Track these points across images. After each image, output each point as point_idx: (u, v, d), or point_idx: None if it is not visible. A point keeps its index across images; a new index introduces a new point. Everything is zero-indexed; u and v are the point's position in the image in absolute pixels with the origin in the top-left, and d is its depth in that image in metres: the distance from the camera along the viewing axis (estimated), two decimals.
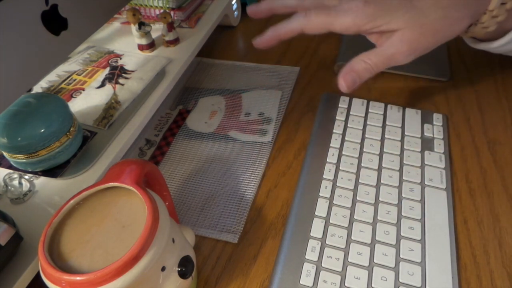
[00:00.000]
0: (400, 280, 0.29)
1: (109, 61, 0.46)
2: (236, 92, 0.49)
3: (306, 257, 0.31)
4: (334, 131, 0.41)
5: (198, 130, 0.44)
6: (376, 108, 0.43)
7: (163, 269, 0.24)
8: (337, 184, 0.36)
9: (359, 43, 0.54)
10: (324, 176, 0.36)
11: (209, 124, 0.45)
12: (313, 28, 0.34)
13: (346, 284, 0.29)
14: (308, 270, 0.30)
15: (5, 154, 0.33)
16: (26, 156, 0.32)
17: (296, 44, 0.56)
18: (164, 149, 0.42)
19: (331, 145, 0.39)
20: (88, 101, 0.41)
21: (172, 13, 0.51)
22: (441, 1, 0.32)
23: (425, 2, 0.32)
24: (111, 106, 0.40)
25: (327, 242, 0.32)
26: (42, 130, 0.32)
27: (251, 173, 0.39)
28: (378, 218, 0.33)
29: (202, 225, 0.35)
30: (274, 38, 0.36)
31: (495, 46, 0.38)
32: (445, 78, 0.47)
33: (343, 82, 0.34)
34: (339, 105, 0.44)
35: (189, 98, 0.49)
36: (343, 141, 0.40)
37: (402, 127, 0.41)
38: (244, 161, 0.40)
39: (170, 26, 0.47)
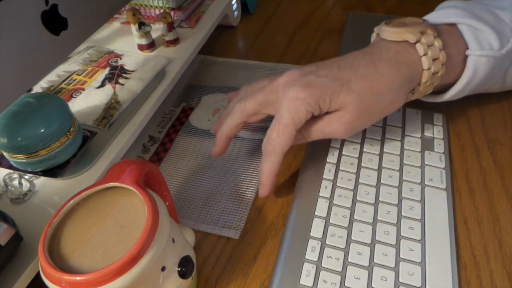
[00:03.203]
0: (400, 280, 0.29)
1: (109, 61, 0.46)
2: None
3: (306, 257, 0.31)
4: None
5: (201, 127, 0.45)
6: None
7: (163, 269, 0.24)
8: (337, 184, 0.36)
9: (358, 44, 0.54)
10: (324, 176, 0.36)
11: (212, 122, 0.45)
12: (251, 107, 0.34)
13: (346, 284, 0.29)
14: (308, 270, 0.30)
15: (5, 154, 0.33)
16: (26, 156, 0.32)
17: (296, 43, 0.56)
18: (167, 146, 0.43)
19: (331, 145, 0.39)
20: (88, 101, 0.41)
21: (172, 13, 0.51)
22: (376, 86, 0.32)
23: (361, 86, 0.32)
24: (111, 106, 0.40)
25: (327, 242, 0.32)
26: (42, 130, 0.32)
27: (253, 171, 0.39)
28: (378, 218, 0.33)
29: (204, 221, 0.35)
30: (226, 141, 0.36)
31: (442, 100, 0.39)
32: None
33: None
34: None
35: (192, 96, 0.49)
36: (343, 140, 0.40)
37: (402, 127, 0.41)
38: (246, 158, 0.40)
39: (170, 26, 0.47)
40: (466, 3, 0.37)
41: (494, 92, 0.42)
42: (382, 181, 0.36)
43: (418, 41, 0.33)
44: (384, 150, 0.38)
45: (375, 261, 0.30)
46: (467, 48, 0.35)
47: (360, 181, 0.36)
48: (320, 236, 0.32)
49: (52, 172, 0.34)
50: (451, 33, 0.35)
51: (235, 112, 0.35)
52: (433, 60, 0.33)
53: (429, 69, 0.33)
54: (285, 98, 0.32)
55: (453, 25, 0.36)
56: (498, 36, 0.34)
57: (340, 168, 0.37)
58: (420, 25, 0.34)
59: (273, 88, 0.34)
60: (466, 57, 0.35)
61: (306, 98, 0.31)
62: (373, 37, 0.38)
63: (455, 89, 0.36)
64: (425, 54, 0.33)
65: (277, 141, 0.32)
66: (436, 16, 0.37)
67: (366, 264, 0.30)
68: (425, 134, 0.40)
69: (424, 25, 0.34)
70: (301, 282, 0.29)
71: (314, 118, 0.33)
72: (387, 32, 0.34)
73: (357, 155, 0.38)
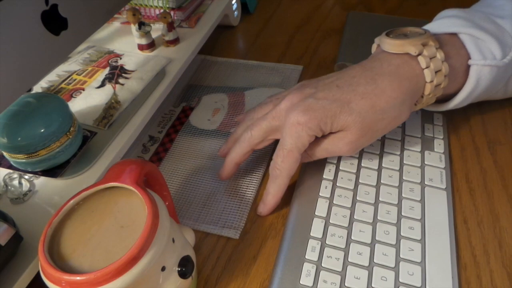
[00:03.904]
0: (400, 280, 0.29)
1: (109, 61, 0.46)
2: (239, 90, 0.49)
3: (306, 257, 0.31)
4: None
5: (201, 127, 0.45)
6: None
7: (163, 269, 0.24)
8: (337, 184, 0.36)
9: (358, 44, 0.54)
10: (324, 176, 0.36)
11: (212, 122, 0.45)
12: (259, 134, 0.35)
13: (346, 284, 0.29)
14: (308, 270, 0.30)
15: (5, 154, 0.33)
16: (26, 156, 0.32)
17: (296, 43, 0.56)
18: (167, 146, 0.43)
19: None
20: (88, 101, 0.41)
21: (172, 13, 0.51)
22: (378, 104, 0.32)
23: (361, 105, 0.32)
24: (111, 106, 0.40)
25: (327, 242, 0.32)
26: (42, 130, 0.32)
27: (253, 171, 0.39)
28: (378, 218, 0.33)
29: (204, 221, 0.35)
30: (235, 167, 0.37)
31: (445, 110, 0.38)
32: None
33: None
34: None
35: (192, 96, 0.49)
36: None
37: (402, 127, 0.41)
38: None
39: (170, 26, 0.47)
40: (466, 12, 0.37)
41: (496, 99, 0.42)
42: (382, 181, 0.36)
43: (420, 54, 0.32)
44: (384, 150, 0.38)
45: (375, 261, 0.30)
46: (469, 58, 0.34)
47: (360, 181, 0.36)
48: (320, 236, 0.32)
49: (52, 172, 0.34)
50: (452, 43, 0.35)
51: (243, 141, 0.36)
52: (436, 72, 0.33)
53: (431, 81, 0.33)
54: (286, 124, 0.32)
55: (454, 34, 0.35)
56: (500, 45, 0.34)
57: (340, 168, 0.37)
58: (422, 36, 0.33)
59: (276, 114, 0.34)
60: (468, 67, 0.35)
61: (307, 123, 0.31)
62: (374, 48, 0.37)
63: (457, 99, 0.36)
64: (427, 67, 0.32)
65: (282, 166, 0.33)
66: (436, 26, 0.36)
67: (366, 264, 0.30)
68: (425, 134, 0.40)
69: (425, 36, 0.33)
70: (301, 282, 0.29)
71: (319, 138, 0.33)
72: (388, 44, 0.34)
73: (357, 155, 0.38)
